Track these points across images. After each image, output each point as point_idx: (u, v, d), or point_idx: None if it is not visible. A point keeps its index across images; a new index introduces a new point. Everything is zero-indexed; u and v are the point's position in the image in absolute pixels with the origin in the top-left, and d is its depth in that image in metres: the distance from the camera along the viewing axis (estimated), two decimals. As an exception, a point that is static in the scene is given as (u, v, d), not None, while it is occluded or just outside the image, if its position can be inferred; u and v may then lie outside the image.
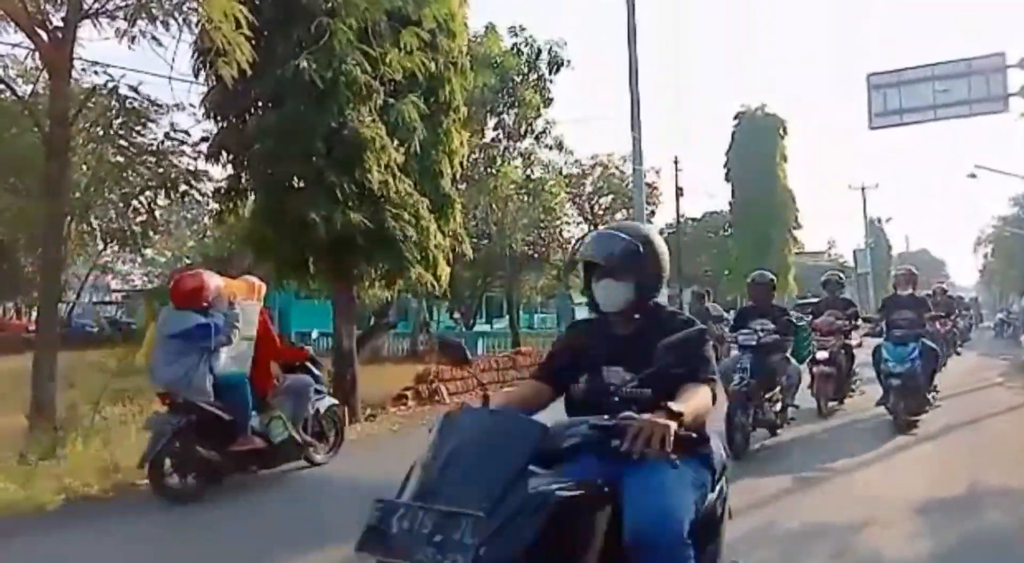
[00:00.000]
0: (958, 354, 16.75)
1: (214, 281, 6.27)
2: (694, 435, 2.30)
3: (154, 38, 7.48)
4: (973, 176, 32.12)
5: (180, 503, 5.73)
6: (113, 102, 9.00)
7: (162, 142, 9.74)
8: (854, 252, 40.87)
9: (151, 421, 6.04)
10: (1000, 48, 21.27)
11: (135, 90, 8.97)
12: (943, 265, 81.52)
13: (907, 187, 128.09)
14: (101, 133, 9.78)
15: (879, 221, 50.93)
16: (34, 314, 19.71)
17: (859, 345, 9.87)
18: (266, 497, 6.15)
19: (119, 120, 9.41)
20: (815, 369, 8.89)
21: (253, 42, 7.41)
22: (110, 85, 8.83)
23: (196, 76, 9.19)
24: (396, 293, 11.01)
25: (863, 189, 44.50)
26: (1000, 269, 54.82)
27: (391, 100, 9.40)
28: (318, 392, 6.95)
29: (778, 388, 7.56)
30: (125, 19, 7.49)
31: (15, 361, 11.69)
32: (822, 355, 8.86)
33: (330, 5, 8.93)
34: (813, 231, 64.58)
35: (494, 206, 18.13)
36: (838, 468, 6.62)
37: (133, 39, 7.49)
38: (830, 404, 9.18)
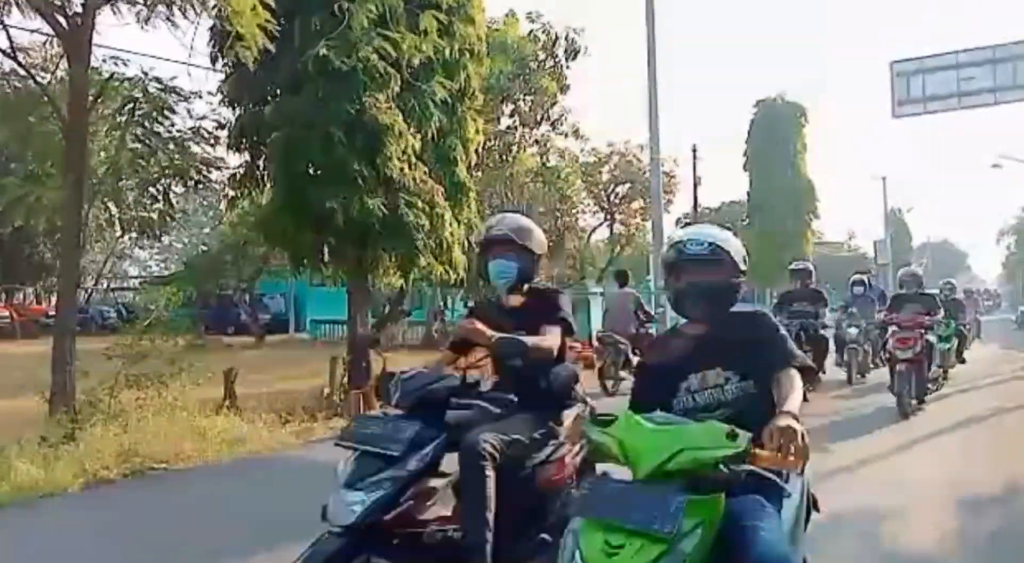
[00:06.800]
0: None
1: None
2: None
3: (170, 21, 7.47)
4: (997, 166, 31.63)
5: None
6: (134, 90, 9.04)
7: (179, 131, 9.81)
8: (874, 243, 40.18)
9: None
10: (1027, 35, 20.84)
11: (156, 79, 9.01)
12: (965, 256, 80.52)
13: (930, 177, 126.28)
14: (123, 121, 9.84)
15: (899, 211, 50.20)
16: (53, 299, 19.96)
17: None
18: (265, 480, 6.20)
19: (140, 110, 9.47)
20: None
21: (271, 28, 7.38)
22: (132, 75, 8.87)
23: (214, 63, 9.19)
24: (411, 281, 10.99)
25: (884, 179, 43.90)
26: (1023, 260, 54.06)
27: (413, 82, 9.33)
28: None
29: None
30: (144, 3, 7.49)
31: (35, 346, 11.84)
32: None
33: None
34: (833, 221, 63.91)
35: (509, 194, 18.07)
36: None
37: (147, 20, 7.48)
38: None
